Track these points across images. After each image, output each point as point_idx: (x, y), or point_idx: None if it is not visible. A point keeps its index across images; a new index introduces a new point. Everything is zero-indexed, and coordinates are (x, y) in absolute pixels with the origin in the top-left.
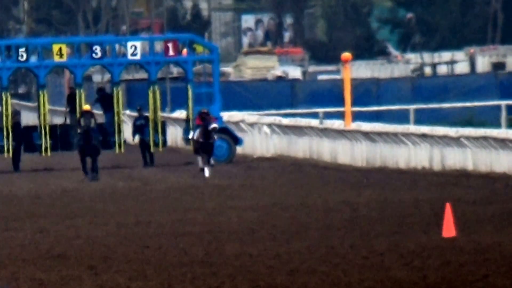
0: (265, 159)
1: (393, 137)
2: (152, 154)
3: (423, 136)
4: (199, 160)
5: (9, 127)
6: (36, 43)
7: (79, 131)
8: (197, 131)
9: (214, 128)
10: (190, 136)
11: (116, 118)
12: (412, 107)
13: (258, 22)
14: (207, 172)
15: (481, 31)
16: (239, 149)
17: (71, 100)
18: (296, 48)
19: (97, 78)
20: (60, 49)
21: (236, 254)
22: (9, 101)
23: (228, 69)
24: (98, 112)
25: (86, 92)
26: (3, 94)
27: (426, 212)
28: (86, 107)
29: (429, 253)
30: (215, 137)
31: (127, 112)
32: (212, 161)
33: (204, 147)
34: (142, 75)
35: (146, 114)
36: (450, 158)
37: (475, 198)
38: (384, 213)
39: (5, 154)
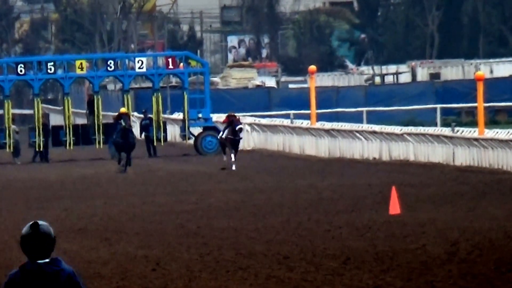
0: (247, 151)
1: (350, 134)
2: (155, 148)
3: (374, 132)
4: (225, 157)
5: (40, 127)
6: (62, 59)
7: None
8: (226, 131)
9: (241, 128)
10: (219, 136)
11: None
12: (365, 109)
13: (241, 41)
14: (234, 166)
15: (421, 48)
16: None
17: (90, 105)
18: (271, 62)
19: (111, 87)
20: (81, 63)
21: (223, 227)
22: (40, 105)
23: (216, 79)
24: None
25: (102, 98)
26: (35, 100)
27: (376, 194)
28: (123, 110)
29: (379, 227)
30: (241, 135)
31: (135, 114)
32: (233, 168)
33: (233, 143)
34: (148, 84)
35: (150, 115)
36: (396, 150)
37: (416, 182)
38: (342, 195)
39: (37, 148)
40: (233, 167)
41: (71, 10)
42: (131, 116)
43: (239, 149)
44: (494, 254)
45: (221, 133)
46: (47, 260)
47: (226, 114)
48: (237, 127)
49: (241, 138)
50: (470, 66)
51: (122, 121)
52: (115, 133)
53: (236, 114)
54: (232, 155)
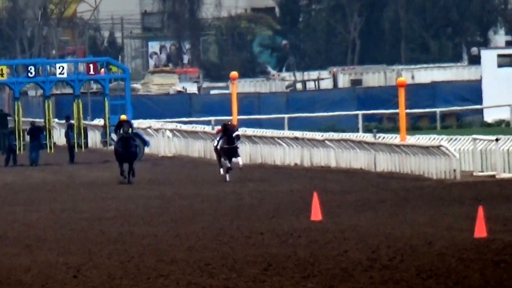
0: (168, 158)
1: (271, 140)
2: (74, 154)
3: (295, 139)
4: (221, 170)
5: None
6: None
7: (117, 137)
8: (221, 140)
9: (238, 135)
10: (214, 144)
11: (47, 125)
12: (286, 115)
13: (162, 47)
14: (240, 162)
15: (342, 54)
16: (147, 150)
17: None
18: (193, 68)
19: (31, 93)
20: (1, 69)
21: (143, 234)
22: None
23: (137, 85)
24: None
25: (23, 105)
26: None
27: (298, 200)
28: (123, 117)
29: (300, 233)
30: (238, 143)
31: (56, 120)
32: (240, 163)
33: (229, 152)
34: (69, 90)
35: (72, 121)
36: (317, 156)
37: (337, 188)
38: (263, 201)
39: None
40: (240, 163)
41: None
42: (131, 123)
43: (239, 155)
44: (415, 260)
45: (216, 142)
46: None
47: (222, 125)
48: (234, 134)
49: (237, 146)
50: (392, 72)
51: (121, 128)
52: (115, 142)
53: (231, 122)
54: (238, 160)
